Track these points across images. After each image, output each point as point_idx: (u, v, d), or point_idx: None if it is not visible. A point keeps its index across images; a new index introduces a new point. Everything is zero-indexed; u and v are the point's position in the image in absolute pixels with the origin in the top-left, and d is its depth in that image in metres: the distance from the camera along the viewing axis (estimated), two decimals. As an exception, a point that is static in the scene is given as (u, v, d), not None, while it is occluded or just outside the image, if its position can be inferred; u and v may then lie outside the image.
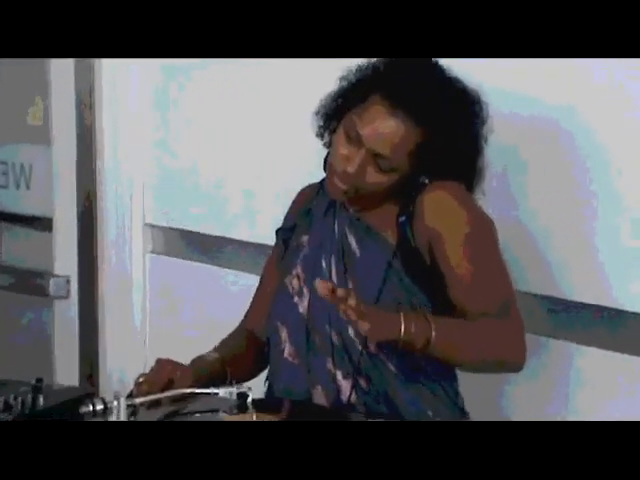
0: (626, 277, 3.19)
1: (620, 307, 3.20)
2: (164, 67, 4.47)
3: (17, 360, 4.69)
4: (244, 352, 3.04)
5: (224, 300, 4.16)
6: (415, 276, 2.78)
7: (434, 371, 2.81)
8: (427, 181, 2.80)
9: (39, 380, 2.72)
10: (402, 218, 2.81)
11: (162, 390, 2.72)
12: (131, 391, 2.76)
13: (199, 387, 2.75)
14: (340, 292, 2.49)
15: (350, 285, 2.79)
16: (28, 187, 4.82)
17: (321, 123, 2.91)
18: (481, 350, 2.71)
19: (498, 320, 2.72)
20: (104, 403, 2.48)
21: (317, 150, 2.97)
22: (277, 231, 3.11)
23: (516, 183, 3.39)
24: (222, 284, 4.33)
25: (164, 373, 2.81)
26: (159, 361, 2.92)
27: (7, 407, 2.60)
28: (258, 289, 3.16)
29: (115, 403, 2.47)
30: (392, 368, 2.80)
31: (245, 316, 3.17)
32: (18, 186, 4.86)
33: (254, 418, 2.52)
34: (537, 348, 3.18)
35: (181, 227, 4.54)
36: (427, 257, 2.79)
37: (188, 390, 2.72)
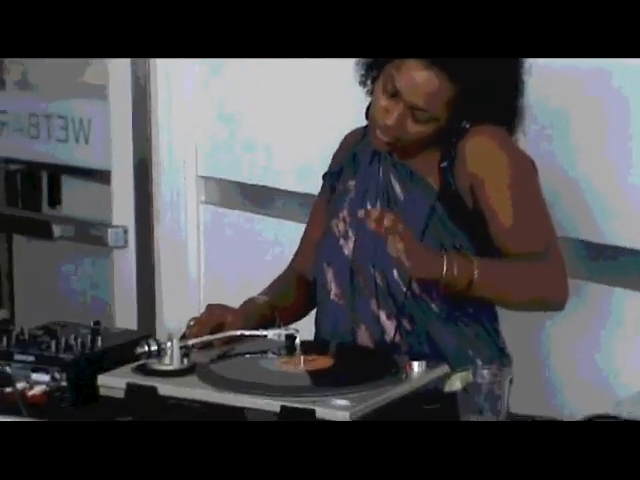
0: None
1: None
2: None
3: (78, 305, 4.74)
4: (292, 294, 3.12)
5: (274, 248, 4.24)
6: (458, 219, 2.84)
7: (475, 311, 2.89)
8: (468, 126, 2.84)
9: (97, 323, 2.81)
10: (444, 164, 2.87)
11: (212, 333, 2.78)
12: (184, 333, 2.80)
13: (249, 330, 2.81)
14: (388, 219, 2.56)
15: None
16: (87, 141, 4.86)
17: (362, 72, 2.93)
18: (523, 290, 2.81)
19: (540, 261, 2.79)
20: (158, 344, 2.55)
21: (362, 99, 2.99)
22: (324, 175, 3.15)
23: (559, 131, 3.44)
24: (273, 233, 4.37)
25: (214, 317, 2.88)
26: (210, 306, 2.99)
27: (68, 347, 2.66)
28: (305, 232, 3.23)
29: (169, 344, 2.54)
30: (435, 309, 2.87)
31: (293, 258, 3.23)
32: (77, 140, 4.90)
33: (301, 360, 2.61)
34: (576, 290, 3.12)
35: (233, 179, 4.56)
36: (469, 201, 2.84)
37: (238, 332, 2.77)
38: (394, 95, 2.78)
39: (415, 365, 2.52)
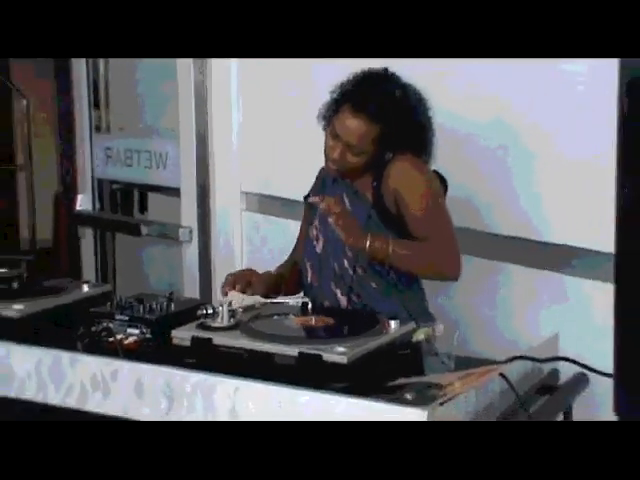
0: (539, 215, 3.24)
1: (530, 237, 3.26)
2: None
3: (159, 282, 4.73)
4: (290, 274, 3.10)
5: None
6: (385, 221, 2.86)
7: (403, 285, 2.91)
8: (390, 156, 2.83)
9: (171, 294, 2.81)
10: (375, 184, 2.88)
11: (243, 288, 2.83)
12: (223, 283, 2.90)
13: (267, 292, 2.88)
14: (327, 201, 2.70)
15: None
16: (165, 168, 4.83)
17: (322, 123, 2.92)
18: (424, 263, 2.83)
19: (439, 244, 2.80)
20: (213, 309, 2.53)
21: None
22: (305, 197, 3.13)
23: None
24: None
25: (244, 275, 2.95)
26: (242, 269, 3.22)
27: (151, 311, 2.67)
28: (299, 235, 3.22)
29: (220, 309, 2.51)
30: (374, 285, 2.89)
31: (292, 252, 3.22)
32: (158, 167, 4.88)
33: (312, 319, 2.59)
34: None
35: (266, 193, 4.47)
36: (393, 209, 2.85)
37: (268, 301, 2.76)
38: (335, 137, 2.80)
39: (392, 322, 2.48)
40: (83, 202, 5.34)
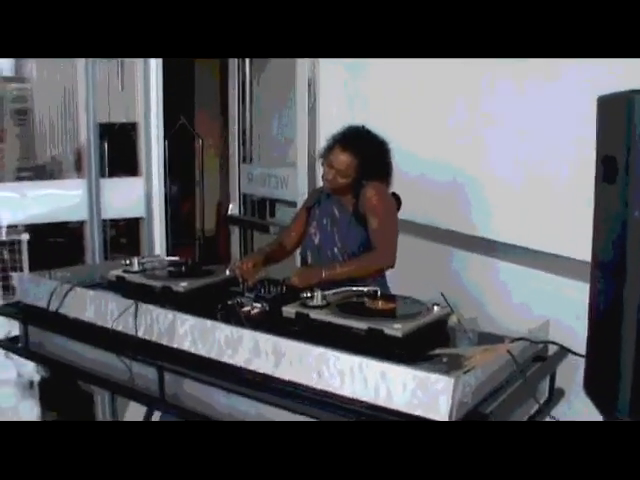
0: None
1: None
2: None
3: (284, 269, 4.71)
4: (274, 253, 2.99)
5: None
6: (361, 226, 2.80)
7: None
8: (365, 182, 2.80)
9: (284, 279, 2.67)
10: (354, 200, 2.83)
11: (248, 270, 2.74)
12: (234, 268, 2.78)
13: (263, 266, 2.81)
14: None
15: (335, 230, 2.86)
16: (286, 187, 4.73)
17: (321, 159, 2.89)
18: (362, 271, 2.72)
19: (380, 252, 2.75)
20: (312, 293, 2.40)
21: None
22: (304, 207, 3.06)
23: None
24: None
25: (250, 260, 2.82)
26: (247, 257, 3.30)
27: (270, 291, 2.61)
28: (290, 223, 3.11)
29: (315, 294, 2.39)
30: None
31: (281, 234, 3.19)
32: (282, 187, 4.80)
33: (379, 303, 2.41)
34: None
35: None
36: (366, 218, 2.79)
37: (350, 289, 2.52)
38: (330, 166, 2.81)
39: (435, 307, 2.33)
40: (233, 208, 5.31)
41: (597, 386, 1.36)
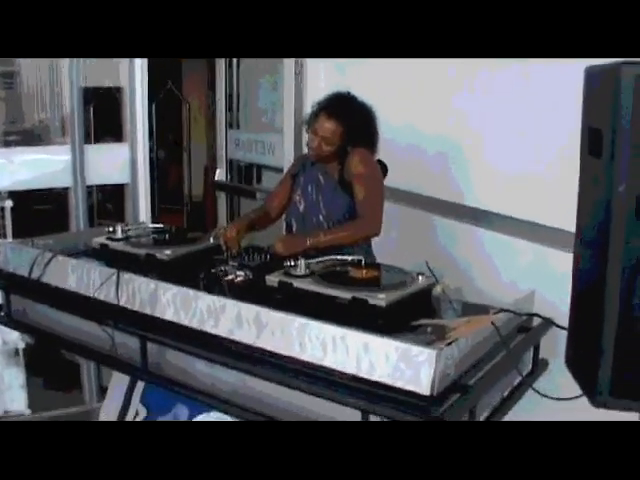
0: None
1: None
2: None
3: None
4: (259, 219, 2.97)
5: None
6: (346, 194, 2.75)
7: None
8: (350, 149, 2.76)
9: (269, 247, 2.65)
10: (339, 167, 2.79)
11: (232, 236, 2.72)
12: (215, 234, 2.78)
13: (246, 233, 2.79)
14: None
15: (320, 198, 2.82)
16: (273, 153, 4.68)
17: (306, 127, 2.86)
18: (349, 239, 2.68)
19: (366, 220, 2.70)
20: (295, 262, 2.37)
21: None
22: (289, 174, 3.02)
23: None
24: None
25: (233, 226, 2.80)
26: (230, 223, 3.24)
27: (254, 259, 2.58)
28: (274, 191, 3.07)
29: (299, 262, 2.36)
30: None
31: (265, 200, 3.11)
32: (268, 153, 4.75)
33: (363, 272, 2.39)
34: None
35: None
36: (351, 185, 2.75)
37: (333, 257, 2.50)
38: (315, 133, 2.77)
39: (420, 277, 2.30)
40: (220, 174, 5.25)
41: (578, 361, 1.34)
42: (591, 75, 1.29)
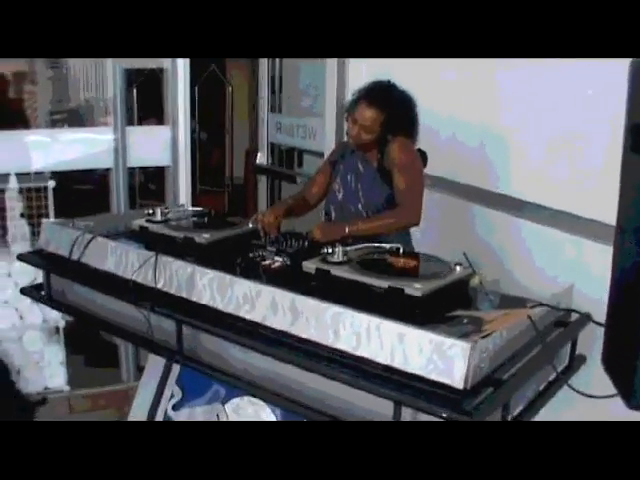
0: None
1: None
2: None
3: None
4: (297, 206, 2.95)
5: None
6: (386, 182, 2.73)
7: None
8: (390, 137, 2.73)
9: (307, 233, 2.64)
10: (379, 156, 2.77)
11: (271, 222, 2.71)
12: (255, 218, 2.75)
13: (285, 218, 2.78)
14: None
15: (359, 186, 2.80)
16: (314, 138, 4.68)
17: (345, 115, 2.84)
18: (385, 228, 2.64)
19: (405, 209, 2.67)
20: (333, 249, 2.34)
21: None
22: (329, 161, 3.00)
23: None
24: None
25: (273, 211, 2.79)
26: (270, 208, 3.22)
27: (291, 246, 2.55)
28: (314, 178, 3.04)
29: (336, 249, 2.34)
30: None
31: (304, 188, 3.07)
32: (309, 137, 4.75)
33: (401, 261, 2.37)
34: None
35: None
36: (391, 174, 2.72)
37: (372, 245, 2.49)
38: (355, 122, 2.74)
39: (457, 267, 2.27)
40: (261, 157, 5.26)
41: (615, 361, 1.31)
42: (637, 69, 1.24)
